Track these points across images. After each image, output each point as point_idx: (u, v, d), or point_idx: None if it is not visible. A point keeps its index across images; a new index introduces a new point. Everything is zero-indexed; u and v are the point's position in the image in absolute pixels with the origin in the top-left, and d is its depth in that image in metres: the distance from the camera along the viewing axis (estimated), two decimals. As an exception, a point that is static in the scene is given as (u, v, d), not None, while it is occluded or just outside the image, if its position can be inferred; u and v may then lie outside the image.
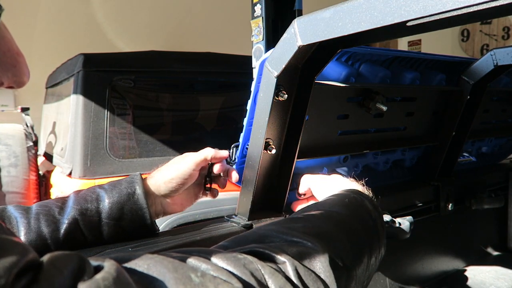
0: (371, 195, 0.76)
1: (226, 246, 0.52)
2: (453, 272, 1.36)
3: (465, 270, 1.37)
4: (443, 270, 1.33)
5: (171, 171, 0.82)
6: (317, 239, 0.53)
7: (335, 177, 0.83)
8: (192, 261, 0.40)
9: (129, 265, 0.35)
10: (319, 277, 0.47)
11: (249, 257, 0.44)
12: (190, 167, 0.82)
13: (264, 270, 0.43)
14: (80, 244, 0.73)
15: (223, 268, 0.40)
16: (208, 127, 2.59)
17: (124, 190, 0.76)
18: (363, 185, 0.80)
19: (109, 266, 0.31)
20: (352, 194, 0.70)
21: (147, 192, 0.79)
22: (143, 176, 0.82)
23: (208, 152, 0.85)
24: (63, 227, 0.70)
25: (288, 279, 0.44)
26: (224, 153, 0.88)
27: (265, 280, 0.42)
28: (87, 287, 0.28)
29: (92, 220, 0.73)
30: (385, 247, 0.68)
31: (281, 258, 0.46)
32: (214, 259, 0.41)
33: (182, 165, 0.82)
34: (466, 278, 1.32)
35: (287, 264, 0.46)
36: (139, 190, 0.77)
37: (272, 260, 0.46)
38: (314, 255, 0.50)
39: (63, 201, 0.75)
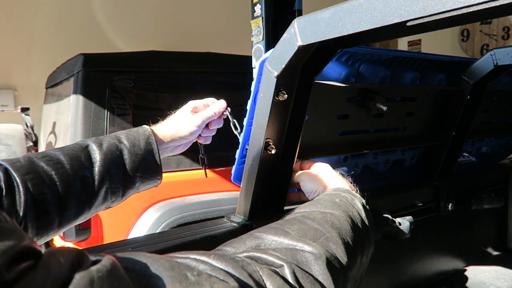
0: (358, 192, 0.77)
1: (223, 250, 0.53)
2: (453, 272, 1.36)
3: (465, 270, 1.37)
4: (443, 270, 1.33)
5: (180, 128, 0.88)
6: (313, 242, 0.53)
7: (323, 173, 0.83)
8: (189, 261, 0.40)
9: (127, 262, 0.35)
10: (316, 279, 0.48)
11: (247, 260, 0.45)
12: (199, 125, 0.89)
13: (262, 272, 0.43)
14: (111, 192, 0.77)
15: (220, 268, 0.40)
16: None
17: (143, 151, 0.81)
18: (351, 183, 0.81)
19: (105, 260, 0.32)
20: (343, 193, 0.71)
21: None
22: (153, 128, 0.87)
23: (215, 108, 0.91)
24: (96, 184, 0.74)
25: (286, 281, 0.44)
26: (222, 104, 0.92)
27: (263, 282, 0.42)
28: (81, 276, 0.29)
29: (116, 174, 0.77)
30: (373, 245, 0.69)
31: (278, 261, 0.47)
32: (212, 261, 0.41)
33: (191, 123, 0.88)
34: (466, 278, 1.32)
35: (285, 267, 0.46)
36: (156, 149, 0.82)
37: (270, 264, 0.47)
38: (311, 258, 0.50)
39: (89, 158, 0.76)
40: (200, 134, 0.93)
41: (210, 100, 0.93)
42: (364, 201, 0.73)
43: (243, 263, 0.43)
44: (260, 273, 0.43)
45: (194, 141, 0.96)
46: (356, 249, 0.60)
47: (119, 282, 0.31)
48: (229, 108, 0.93)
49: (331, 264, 0.51)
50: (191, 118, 0.89)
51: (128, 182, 0.79)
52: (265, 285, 0.42)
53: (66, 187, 0.70)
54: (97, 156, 0.76)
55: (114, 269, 0.32)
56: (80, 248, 0.73)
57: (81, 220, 0.76)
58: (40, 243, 0.72)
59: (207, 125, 0.93)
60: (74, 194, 0.71)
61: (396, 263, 1.19)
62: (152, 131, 0.85)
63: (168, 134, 0.87)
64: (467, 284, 1.29)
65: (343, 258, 0.55)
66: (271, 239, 0.54)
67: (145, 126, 0.86)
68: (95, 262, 0.32)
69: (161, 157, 0.84)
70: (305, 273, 0.47)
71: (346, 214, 0.64)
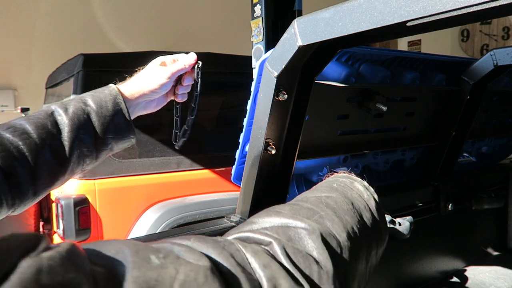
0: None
1: (216, 237, 0.51)
2: (453, 272, 1.36)
3: (465, 270, 1.37)
4: (443, 270, 1.33)
5: (149, 81, 0.84)
6: (306, 219, 0.49)
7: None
8: (167, 245, 0.37)
9: (92, 250, 0.33)
10: (310, 254, 0.44)
11: (231, 239, 0.42)
12: (169, 76, 0.85)
13: (246, 250, 0.40)
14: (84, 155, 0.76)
15: (198, 250, 0.37)
16: (208, 127, 2.59)
17: (111, 111, 0.78)
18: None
19: (63, 246, 0.29)
20: (341, 178, 0.66)
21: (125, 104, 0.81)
22: (119, 87, 0.83)
23: (185, 60, 0.87)
24: (67, 150, 0.73)
25: (274, 258, 0.41)
26: (193, 57, 0.88)
27: (247, 260, 0.39)
28: (28, 264, 0.26)
29: (87, 139, 0.76)
30: (384, 242, 0.61)
31: (267, 239, 0.44)
32: (192, 243, 0.39)
33: (160, 75, 0.84)
34: (466, 278, 1.32)
35: (273, 244, 0.43)
36: (124, 109, 0.80)
37: (257, 242, 0.44)
38: (304, 233, 0.46)
39: (56, 125, 0.74)
40: (175, 92, 0.91)
41: (180, 55, 0.89)
42: (366, 184, 0.66)
43: (224, 244, 0.40)
44: (244, 252, 0.40)
45: (171, 99, 0.93)
46: (359, 236, 0.52)
47: (75, 272, 0.27)
48: (200, 62, 0.90)
49: (326, 240, 0.47)
50: (160, 70, 0.85)
51: (100, 144, 0.78)
52: (249, 263, 0.39)
53: (35, 157, 0.69)
54: (64, 122, 0.74)
55: (71, 256, 0.28)
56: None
57: (57, 185, 0.76)
58: (18, 213, 0.72)
59: (180, 82, 0.90)
60: (45, 163, 0.70)
61: (396, 263, 1.19)
62: (119, 89, 0.82)
63: (137, 90, 0.83)
64: (467, 284, 1.29)
65: (341, 236, 0.49)
66: (263, 221, 0.50)
67: (111, 85, 0.82)
68: (50, 248, 0.28)
69: (132, 115, 0.83)
70: (297, 249, 0.44)
71: (343, 196, 0.58)
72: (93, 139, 0.76)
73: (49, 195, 2.41)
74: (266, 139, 0.81)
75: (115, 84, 0.84)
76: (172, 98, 0.93)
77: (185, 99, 0.94)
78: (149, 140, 2.28)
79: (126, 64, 2.36)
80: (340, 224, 0.51)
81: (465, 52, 5.33)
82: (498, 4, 0.44)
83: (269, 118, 0.78)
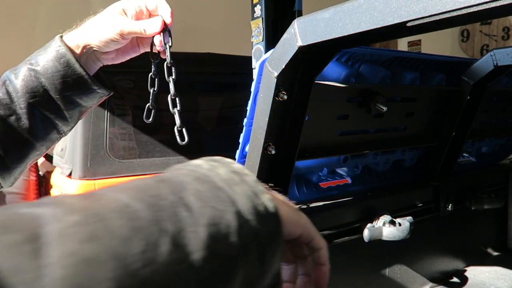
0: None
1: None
2: (453, 272, 1.36)
3: (465, 270, 1.37)
4: (443, 270, 1.33)
5: (93, 36, 0.71)
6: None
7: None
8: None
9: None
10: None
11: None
12: (118, 35, 0.71)
13: None
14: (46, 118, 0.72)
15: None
16: (208, 127, 2.59)
17: (60, 68, 0.70)
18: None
19: None
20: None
21: (77, 57, 0.71)
22: (66, 38, 0.72)
23: (147, 26, 0.70)
24: (24, 117, 0.69)
25: None
26: (157, 25, 0.71)
27: None
28: None
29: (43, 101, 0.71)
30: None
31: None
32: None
33: (105, 32, 0.70)
34: (466, 278, 1.32)
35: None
36: (73, 63, 0.70)
37: None
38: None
39: (8, 94, 0.70)
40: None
41: (145, 3, 0.71)
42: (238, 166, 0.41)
43: None
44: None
45: (144, 51, 0.79)
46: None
47: None
48: (169, 28, 0.72)
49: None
50: (111, 23, 0.70)
51: (64, 103, 0.71)
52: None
53: None
54: (16, 88, 0.69)
55: None
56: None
57: (37, 155, 0.74)
58: (7, 187, 0.71)
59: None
60: (8, 136, 0.68)
61: (396, 263, 1.19)
62: (65, 43, 0.70)
63: (81, 42, 0.71)
64: (467, 284, 1.29)
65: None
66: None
67: (57, 37, 0.72)
68: None
69: (91, 66, 0.74)
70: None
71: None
72: (51, 100, 0.70)
73: (49, 195, 2.41)
74: (266, 139, 0.81)
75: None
76: (146, 49, 0.78)
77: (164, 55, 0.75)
78: (149, 141, 2.28)
79: (126, 64, 2.37)
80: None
81: (465, 52, 5.33)
82: (498, 4, 0.44)
83: (269, 118, 0.78)
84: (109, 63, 0.79)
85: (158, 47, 0.74)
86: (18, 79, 0.70)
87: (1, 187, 0.71)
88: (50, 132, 0.73)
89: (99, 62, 0.77)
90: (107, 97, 0.78)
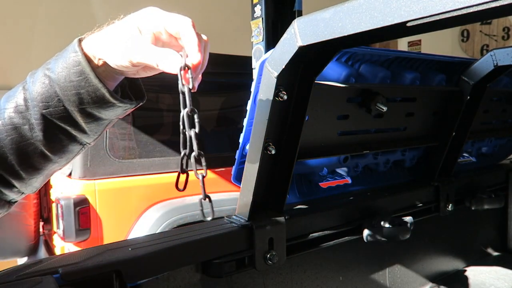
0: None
1: None
2: (453, 272, 1.36)
3: (465, 270, 1.37)
4: (443, 270, 1.33)
5: (110, 54, 0.60)
6: None
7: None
8: None
9: None
10: None
11: None
12: (134, 64, 0.59)
13: None
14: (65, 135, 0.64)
15: None
16: (208, 127, 2.59)
17: (75, 82, 0.60)
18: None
19: None
20: None
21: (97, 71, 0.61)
22: (86, 46, 0.61)
23: (165, 66, 0.57)
24: (38, 128, 0.62)
25: None
26: (175, 65, 0.57)
27: None
28: None
29: (59, 112, 0.62)
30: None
31: None
32: None
33: (122, 56, 0.59)
34: (466, 278, 1.32)
35: None
36: (91, 78, 0.60)
37: None
38: None
39: (25, 101, 0.63)
40: None
41: (168, 26, 0.59)
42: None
43: None
44: None
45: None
46: None
47: None
48: (191, 77, 0.55)
49: None
50: (129, 45, 0.58)
51: (82, 116, 0.62)
52: None
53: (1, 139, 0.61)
54: (32, 96, 0.62)
55: None
56: (80, 248, 0.72)
57: (56, 167, 0.67)
58: (28, 193, 0.67)
59: None
60: (21, 146, 0.62)
61: (396, 263, 1.19)
62: (85, 53, 0.60)
63: (100, 56, 0.61)
64: (467, 284, 1.29)
65: None
66: None
67: (75, 43, 0.61)
68: None
69: (111, 80, 0.63)
70: None
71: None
72: (67, 112, 0.62)
73: (49, 195, 2.40)
74: (266, 139, 0.81)
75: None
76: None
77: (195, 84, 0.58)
78: (149, 141, 2.28)
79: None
80: None
81: (465, 52, 5.33)
82: (498, 4, 0.44)
83: (269, 118, 0.78)
84: (132, 77, 0.67)
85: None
86: (35, 86, 0.63)
87: (22, 193, 0.66)
88: (69, 144, 0.65)
89: (121, 75, 0.65)
90: (135, 108, 0.67)
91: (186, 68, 0.56)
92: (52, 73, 0.62)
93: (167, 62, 0.57)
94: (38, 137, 0.62)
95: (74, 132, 0.64)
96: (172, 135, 2.41)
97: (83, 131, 0.64)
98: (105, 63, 0.61)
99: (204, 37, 0.60)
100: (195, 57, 0.57)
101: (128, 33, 0.59)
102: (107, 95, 0.60)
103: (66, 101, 0.61)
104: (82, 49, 0.60)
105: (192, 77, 0.55)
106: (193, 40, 0.57)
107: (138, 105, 0.67)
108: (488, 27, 5.17)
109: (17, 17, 4.49)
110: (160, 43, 0.60)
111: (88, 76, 0.60)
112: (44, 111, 0.62)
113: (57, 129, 0.63)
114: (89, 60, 0.60)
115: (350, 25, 0.58)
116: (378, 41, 0.79)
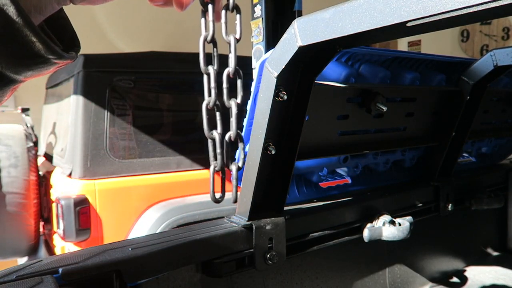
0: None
1: None
2: (453, 272, 1.36)
3: (465, 270, 1.37)
4: (443, 270, 1.33)
5: None
6: None
7: None
8: None
9: None
10: None
11: None
12: None
13: None
14: None
15: None
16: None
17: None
18: None
19: None
20: None
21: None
22: None
23: None
24: None
25: None
26: None
27: None
28: None
29: None
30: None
31: None
32: None
33: None
34: (466, 278, 1.32)
35: None
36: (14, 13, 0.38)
37: None
38: None
39: None
40: None
41: None
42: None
43: None
44: None
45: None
46: None
47: None
48: None
49: None
50: None
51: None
52: None
53: None
54: None
55: None
56: (80, 248, 0.73)
57: None
58: None
59: None
60: None
61: (396, 263, 1.19)
62: None
63: None
64: (467, 284, 1.29)
65: None
66: None
67: None
68: None
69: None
70: None
71: None
72: None
73: (49, 195, 2.41)
74: (266, 139, 0.81)
75: None
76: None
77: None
78: (149, 141, 2.28)
79: (126, 64, 2.37)
80: None
81: (465, 52, 5.33)
82: (498, 5, 0.44)
83: (269, 118, 0.78)
84: (82, 3, 0.48)
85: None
86: None
87: None
88: None
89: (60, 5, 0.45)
90: (64, 64, 0.45)
91: None
92: None
93: None
94: None
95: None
96: (172, 135, 2.41)
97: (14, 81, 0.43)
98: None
99: None
100: None
101: None
102: (39, 44, 0.39)
103: None
104: None
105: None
106: None
107: (72, 59, 0.45)
108: (488, 27, 5.17)
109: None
110: None
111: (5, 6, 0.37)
112: None
113: None
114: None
115: (350, 25, 0.58)
116: (378, 41, 0.79)
